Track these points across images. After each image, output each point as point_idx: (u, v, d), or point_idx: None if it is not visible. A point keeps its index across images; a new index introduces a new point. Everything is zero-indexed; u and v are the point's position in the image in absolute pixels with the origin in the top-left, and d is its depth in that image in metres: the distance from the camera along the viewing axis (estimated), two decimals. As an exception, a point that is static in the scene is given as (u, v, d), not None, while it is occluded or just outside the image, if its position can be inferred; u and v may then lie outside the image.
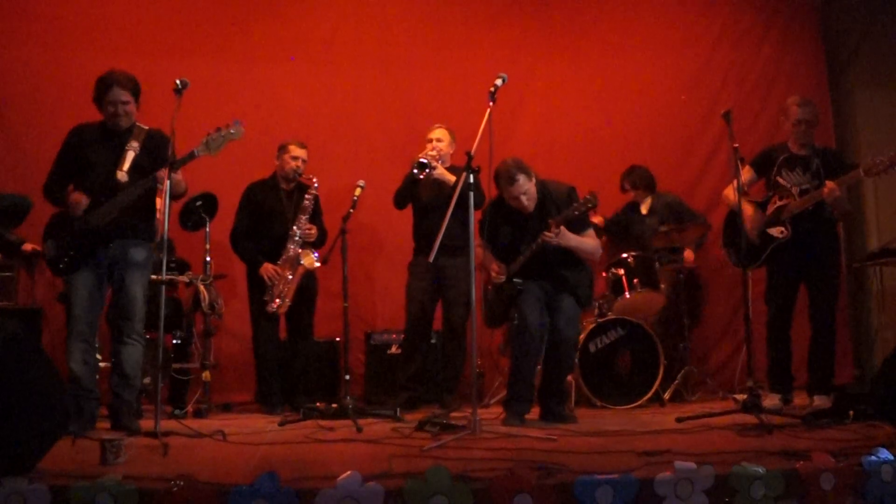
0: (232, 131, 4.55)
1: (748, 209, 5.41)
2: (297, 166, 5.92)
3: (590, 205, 4.65)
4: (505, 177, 4.77)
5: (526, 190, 4.80)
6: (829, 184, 5.12)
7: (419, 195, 5.95)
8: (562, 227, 4.72)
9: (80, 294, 4.64)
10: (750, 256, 5.40)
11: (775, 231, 5.34)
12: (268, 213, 5.94)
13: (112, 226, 4.62)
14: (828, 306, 5.36)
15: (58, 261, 4.65)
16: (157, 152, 4.60)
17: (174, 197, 4.63)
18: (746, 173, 5.53)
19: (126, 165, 4.65)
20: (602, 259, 6.33)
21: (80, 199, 4.59)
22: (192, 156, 4.51)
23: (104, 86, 4.66)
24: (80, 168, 4.69)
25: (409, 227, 6.09)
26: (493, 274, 5.01)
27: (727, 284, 7.22)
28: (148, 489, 2.64)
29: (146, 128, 4.77)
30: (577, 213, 4.70)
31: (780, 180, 5.44)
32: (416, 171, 5.58)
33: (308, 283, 5.87)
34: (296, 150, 5.94)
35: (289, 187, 5.96)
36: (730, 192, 5.47)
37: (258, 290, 5.86)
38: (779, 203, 5.39)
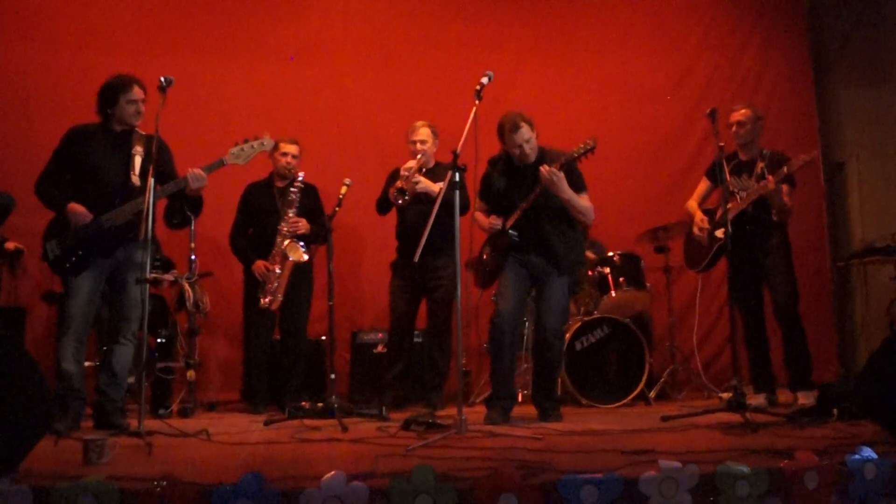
0: (263, 143, 4.73)
1: (698, 214, 5.79)
2: (288, 162, 5.93)
3: (590, 146, 4.70)
4: (509, 125, 4.85)
5: (528, 139, 4.88)
6: (770, 177, 5.35)
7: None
8: (561, 174, 4.74)
9: (80, 294, 4.64)
10: (700, 259, 5.78)
11: (719, 232, 5.50)
12: (262, 211, 5.96)
13: (123, 228, 4.62)
14: (786, 305, 5.49)
15: (64, 260, 4.63)
16: (159, 157, 4.58)
17: (197, 193, 4.72)
18: (703, 184, 5.89)
19: (137, 170, 4.70)
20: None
21: (83, 212, 4.59)
22: (220, 163, 4.65)
23: (123, 85, 4.71)
24: (84, 171, 4.69)
25: (395, 227, 6.08)
26: (490, 223, 5.01)
27: (713, 284, 7.25)
28: (131, 489, 2.62)
29: (145, 134, 4.78)
30: (576, 155, 4.74)
31: (729, 186, 5.57)
32: (399, 202, 5.63)
33: (301, 282, 5.86)
34: (286, 147, 5.94)
35: (283, 184, 5.95)
36: (691, 204, 5.89)
37: (252, 287, 5.86)
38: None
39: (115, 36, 6.93)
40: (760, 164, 5.53)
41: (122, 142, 4.76)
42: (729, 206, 5.43)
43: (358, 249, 7.13)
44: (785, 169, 5.30)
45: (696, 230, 5.77)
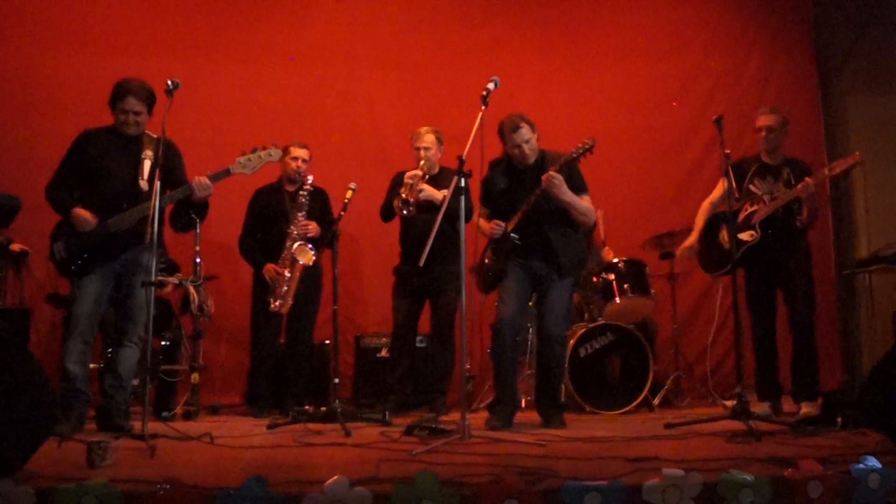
0: (271, 153, 4.73)
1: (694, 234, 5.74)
2: (298, 166, 5.94)
3: (588, 145, 4.72)
4: (509, 125, 4.88)
5: (528, 139, 4.90)
6: (808, 179, 5.26)
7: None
8: (560, 177, 4.74)
9: (87, 296, 4.65)
10: (721, 262, 5.60)
11: (745, 235, 5.41)
12: (272, 215, 5.97)
13: (130, 232, 4.63)
14: (803, 315, 5.42)
15: (70, 262, 4.64)
16: (168, 162, 4.59)
17: (203, 200, 4.71)
18: (721, 185, 5.70)
19: (146, 174, 4.70)
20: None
21: (88, 218, 4.58)
22: (227, 172, 4.64)
23: (120, 92, 4.69)
24: (93, 173, 4.69)
25: (399, 232, 6.07)
26: (492, 227, 5.00)
27: (718, 290, 7.23)
28: (134, 492, 2.62)
29: (155, 136, 4.79)
30: (575, 155, 4.76)
31: (752, 188, 5.55)
32: (405, 213, 5.62)
33: (310, 286, 5.86)
34: (296, 151, 5.96)
35: (292, 188, 5.95)
36: (706, 207, 5.79)
37: (261, 291, 5.86)
38: (750, 209, 5.46)
39: (120, 38, 6.95)
40: (787, 171, 5.47)
41: (132, 145, 4.77)
42: (756, 207, 5.43)
43: (361, 253, 7.14)
44: (826, 170, 5.27)
45: (684, 247, 5.82)
